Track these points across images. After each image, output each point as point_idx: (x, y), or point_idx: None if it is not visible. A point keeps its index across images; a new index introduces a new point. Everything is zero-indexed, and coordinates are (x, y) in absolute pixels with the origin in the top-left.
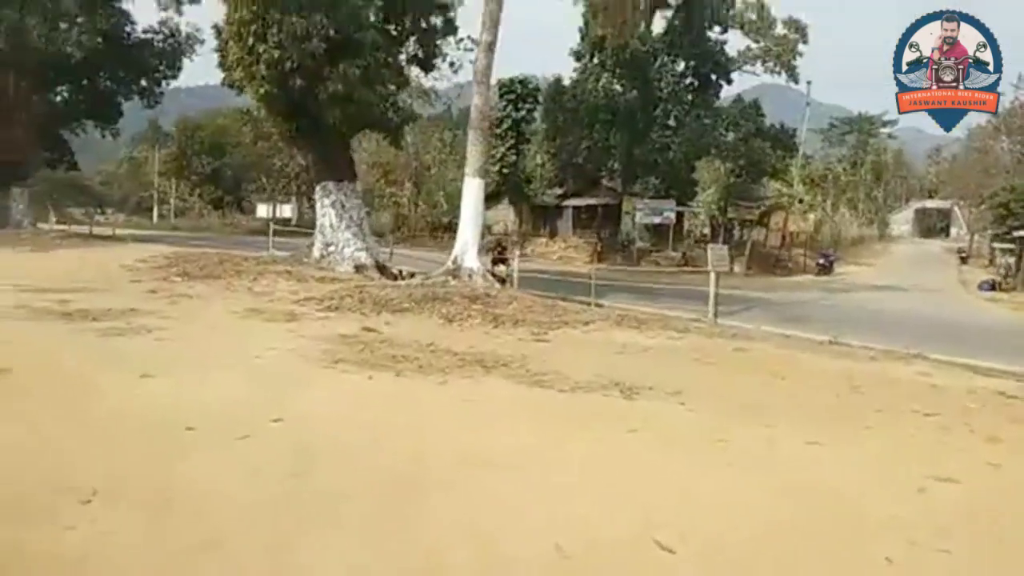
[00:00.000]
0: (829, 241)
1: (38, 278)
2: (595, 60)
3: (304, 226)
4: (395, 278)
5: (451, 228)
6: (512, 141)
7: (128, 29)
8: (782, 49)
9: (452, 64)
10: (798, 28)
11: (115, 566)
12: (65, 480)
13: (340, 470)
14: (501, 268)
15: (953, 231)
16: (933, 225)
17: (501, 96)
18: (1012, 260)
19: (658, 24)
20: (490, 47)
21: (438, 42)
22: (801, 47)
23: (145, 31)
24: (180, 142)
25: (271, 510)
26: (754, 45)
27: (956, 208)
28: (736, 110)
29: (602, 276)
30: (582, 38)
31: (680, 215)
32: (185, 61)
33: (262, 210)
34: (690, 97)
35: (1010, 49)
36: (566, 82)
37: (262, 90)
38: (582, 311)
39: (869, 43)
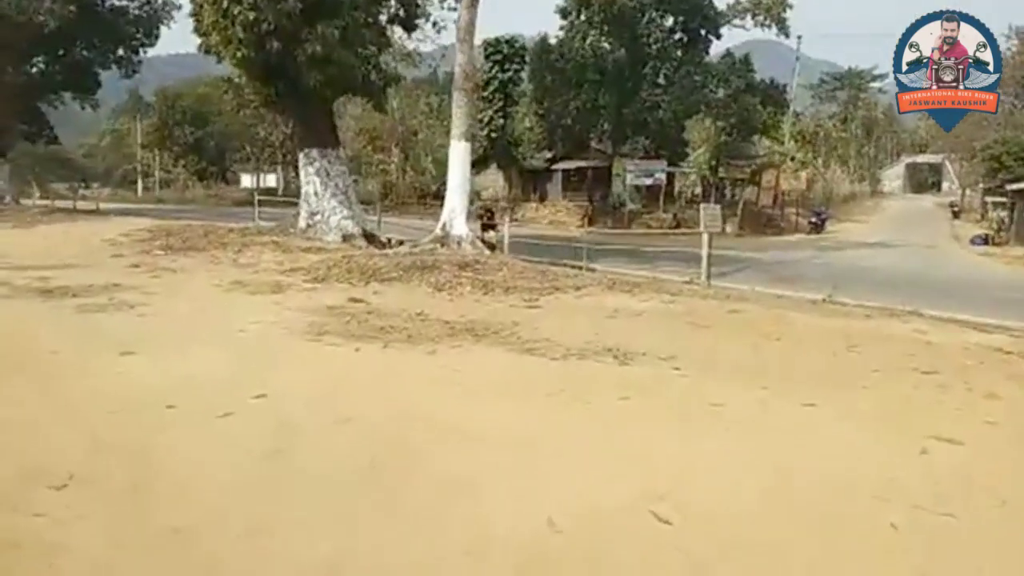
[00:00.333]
0: (821, 199)
1: (19, 255)
2: (582, 17)
3: (290, 195)
4: (383, 247)
5: (440, 195)
6: (499, 104)
7: None
8: (772, 1)
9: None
10: None
11: (87, 556)
12: (38, 464)
13: (323, 448)
14: (491, 234)
15: (944, 186)
16: (924, 180)
17: (487, 57)
18: (1004, 214)
19: None
20: (473, 2)
21: (420, 1)
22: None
23: None
24: (161, 112)
25: (250, 492)
26: None
27: (947, 162)
28: (726, 66)
29: (593, 240)
30: None
31: (671, 176)
32: (163, 29)
33: (246, 180)
34: (679, 53)
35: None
36: (553, 41)
37: (239, 54)
38: (574, 276)
39: None
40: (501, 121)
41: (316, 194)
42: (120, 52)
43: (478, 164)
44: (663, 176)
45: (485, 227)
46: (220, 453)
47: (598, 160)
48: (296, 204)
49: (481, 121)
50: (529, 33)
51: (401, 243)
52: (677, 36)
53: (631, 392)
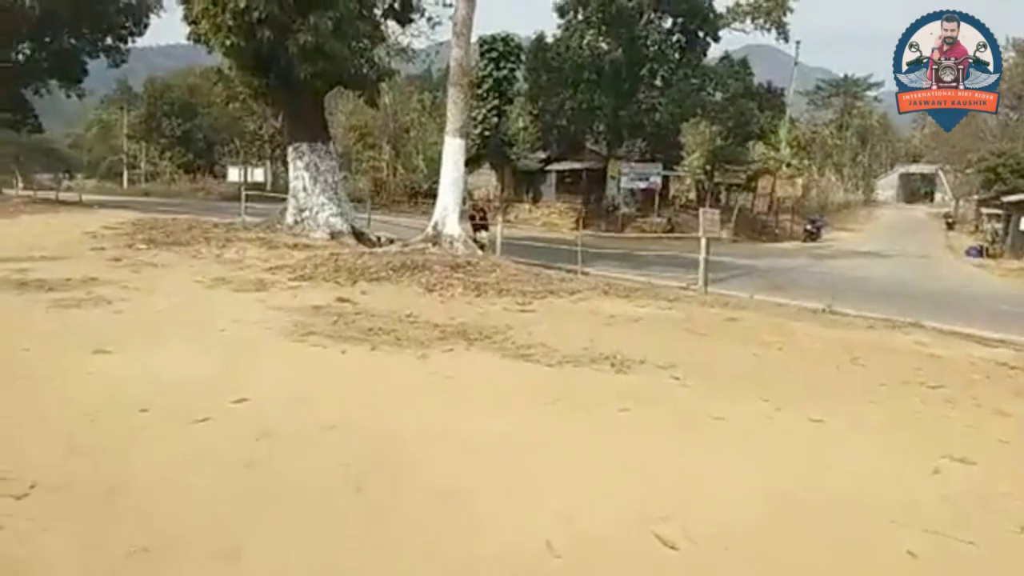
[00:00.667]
0: (816, 206)
1: None
2: (580, 16)
3: (278, 191)
4: (372, 245)
5: (431, 193)
6: (494, 102)
7: None
8: (773, 4)
9: (430, 20)
10: None
11: (47, 573)
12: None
13: (304, 459)
14: (483, 235)
15: (937, 196)
16: (917, 190)
17: (482, 54)
18: (999, 226)
19: None
20: None
21: None
22: (791, 3)
23: None
24: (149, 103)
25: (226, 506)
26: (743, 1)
27: (940, 173)
28: (724, 69)
29: (587, 242)
30: None
31: (666, 179)
32: (153, 18)
33: (233, 174)
34: (677, 56)
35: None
36: (549, 39)
37: (228, 42)
38: (568, 279)
39: (855, 2)
40: (495, 120)
41: (305, 189)
42: (108, 41)
43: (471, 163)
44: (658, 180)
45: (476, 227)
46: (195, 462)
47: (593, 162)
48: (284, 199)
49: (475, 119)
50: (525, 32)
51: (391, 241)
52: (675, 38)
53: (630, 402)
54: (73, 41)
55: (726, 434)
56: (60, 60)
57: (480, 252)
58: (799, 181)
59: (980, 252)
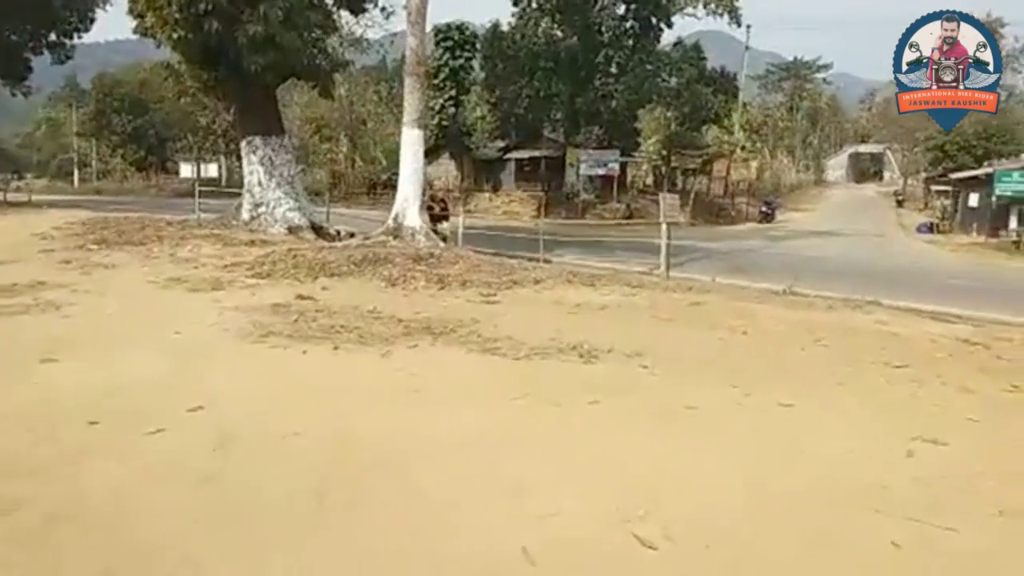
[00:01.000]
0: (770, 188)
1: None
2: (534, 4)
3: (234, 186)
4: (332, 239)
5: (390, 185)
6: (451, 92)
7: None
8: None
9: (384, 10)
10: None
11: None
12: None
13: (265, 469)
14: (444, 225)
15: (886, 175)
16: (867, 169)
17: (437, 44)
18: (948, 203)
19: None
20: None
21: None
22: None
23: None
24: (98, 100)
25: (182, 525)
26: None
27: (888, 152)
28: (678, 54)
29: (549, 230)
30: None
31: (624, 165)
32: (100, 12)
33: (185, 170)
34: (631, 42)
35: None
36: (505, 28)
37: (175, 35)
38: (532, 268)
39: None
40: (453, 110)
41: (260, 184)
42: (52, 36)
43: (430, 153)
44: (616, 166)
45: (437, 218)
46: (149, 478)
47: (551, 150)
48: (240, 195)
49: (432, 109)
50: (480, 21)
51: (351, 235)
52: (629, 24)
53: (600, 394)
54: (15, 37)
55: (698, 423)
56: (3, 57)
57: (442, 244)
58: (753, 164)
59: (931, 229)
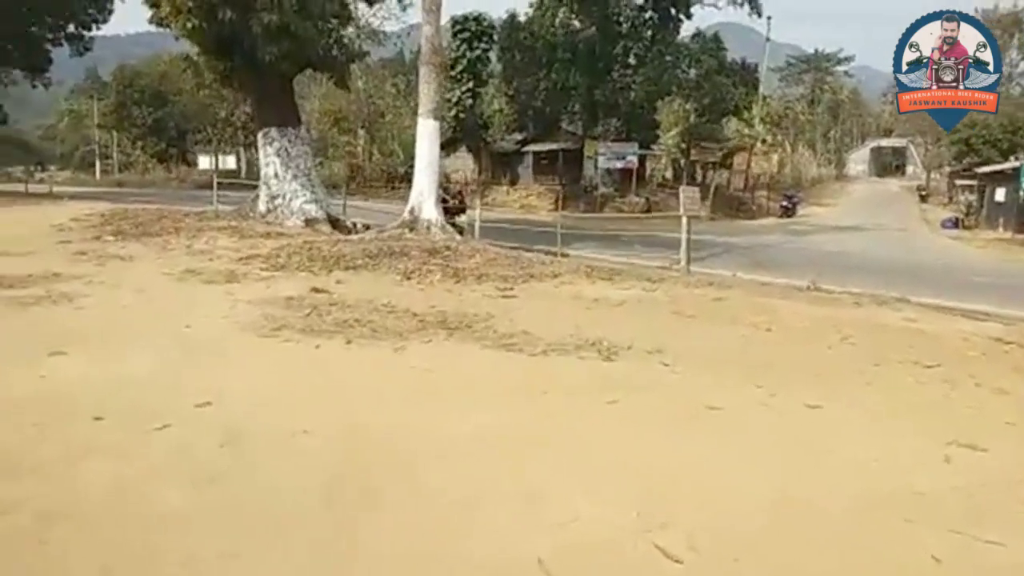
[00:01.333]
0: (791, 182)
1: None
2: None
3: (252, 178)
4: (348, 232)
5: (408, 178)
6: (468, 84)
7: None
8: None
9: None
10: None
11: None
12: None
13: (272, 468)
14: (461, 218)
15: (909, 169)
16: (889, 164)
17: (455, 35)
18: (974, 197)
19: None
20: None
21: None
22: None
23: None
24: (118, 92)
25: (186, 528)
26: None
27: (911, 146)
28: (697, 45)
29: (566, 224)
30: None
31: (642, 158)
32: (120, 5)
33: (204, 162)
34: (650, 33)
35: None
36: (522, 19)
37: (189, 24)
38: (549, 262)
39: None
40: (470, 102)
41: (276, 176)
42: (71, 28)
43: (447, 146)
44: (635, 159)
45: (454, 211)
46: (153, 477)
47: (569, 142)
48: (258, 187)
49: (450, 101)
50: (497, 12)
51: (367, 228)
52: (648, 15)
53: (619, 392)
54: (35, 29)
55: (722, 425)
56: (23, 49)
57: (458, 237)
58: (774, 157)
59: (956, 224)
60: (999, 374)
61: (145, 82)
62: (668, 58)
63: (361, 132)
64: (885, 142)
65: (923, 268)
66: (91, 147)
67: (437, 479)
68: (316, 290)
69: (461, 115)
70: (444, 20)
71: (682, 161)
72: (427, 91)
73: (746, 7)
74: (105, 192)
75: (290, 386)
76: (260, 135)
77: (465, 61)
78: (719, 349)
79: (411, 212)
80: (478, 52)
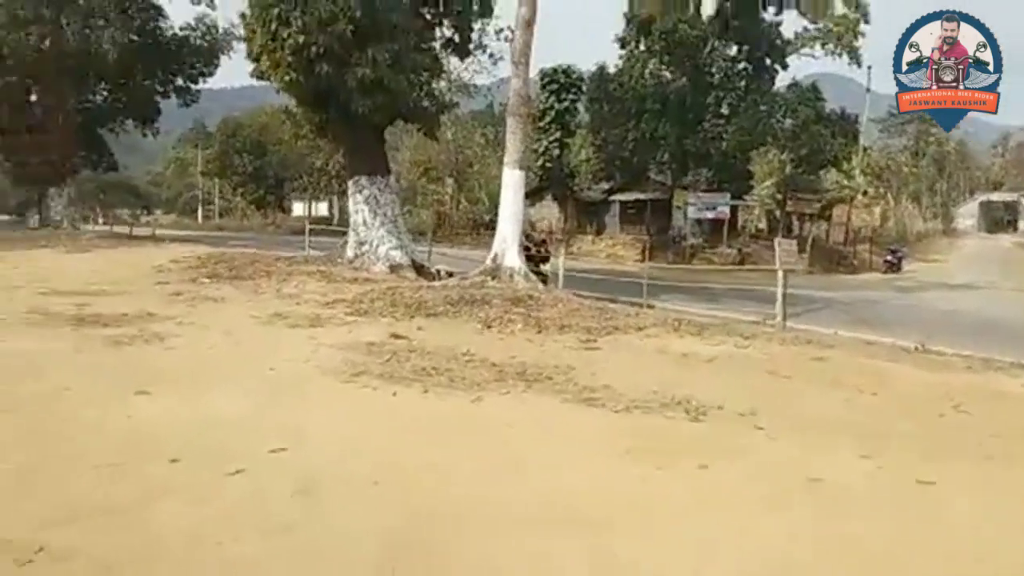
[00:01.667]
0: (895, 236)
1: (64, 280)
2: (641, 46)
3: (344, 225)
4: (432, 278)
5: (493, 226)
6: (556, 134)
7: (163, 26)
8: (843, 29)
9: (491, 56)
10: (858, 6)
11: None
12: (6, 529)
13: (342, 522)
14: (545, 267)
15: (1021, 225)
16: (1000, 219)
17: (543, 87)
18: None
19: (708, 6)
20: (528, 24)
21: (473, 25)
22: (863, 27)
23: (181, 28)
24: (222, 141)
25: None
26: (811, 26)
27: (1023, 200)
28: (793, 95)
29: (654, 275)
30: (627, 22)
31: (734, 209)
32: (227, 60)
33: (298, 208)
34: (743, 83)
35: None
36: (611, 70)
37: (287, 78)
38: (635, 314)
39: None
40: (557, 152)
41: (365, 223)
42: (179, 81)
43: (533, 195)
44: (726, 209)
45: (536, 260)
46: (224, 525)
47: (658, 192)
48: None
49: (537, 151)
50: (586, 65)
51: (451, 275)
52: (741, 65)
53: (710, 457)
54: (147, 83)
55: (824, 500)
56: (135, 101)
57: (541, 286)
58: (876, 210)
59: None
60: None
61: (247, 132)
62: (763, 108)
63: (449, 181)
64: (995, 196)
65: None
66: (194, 193)
67: (507, 553)
68: (396, 336)
69: (548, 164)
70: (533, 73)
71: (777, 212)
72: (514, 141)
73: (844, 57)
74: (205, 236)
75: (365, 434)
76: (351, 183)
77: (553, 112)
78: (819, 414)
79: (494, 260)
80: (566, 103)
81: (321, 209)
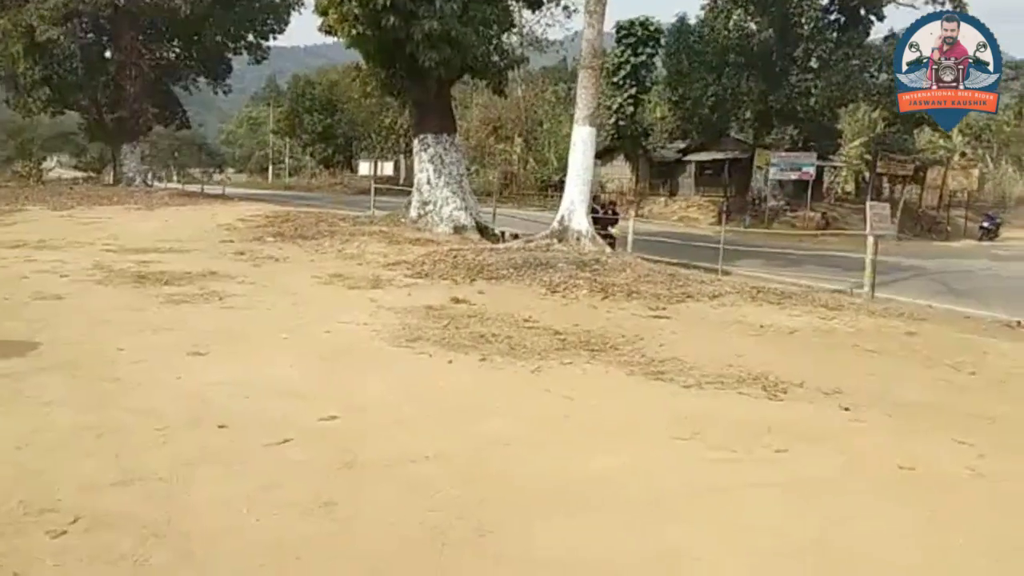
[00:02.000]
0: (992, 201)
1: (131, 237)
2: None
3: (410, 185)
4: (496, 240)
5: (561, 187)
6: (631, 90)
7: None
8: None
9: (565, 8)
10: None
11: None
12: (45, 496)
13: (387, 499)
14: (613, 230)
15: None
16: None
17: (619, 40)
18: None
19: None
20: None
21: None
22: None
23: None
24: (292, 100)
25: (281, 560)
26: None
27: None
28: (890, 48)
29: (730, 239)
30: None
31: (820, 170)
32: (300, 19)
33: (364, 168)
34: (835, 35)
35: None
36: (692, 22)
37: (354, 32)
38: (708, 281)
39: None
40: (631, 109)
41: (429, 182)
42: (250, 38)
43: (604, 155)
44: (812, 170)
45: (604, 222)
46: (262, 496)
47: (737, 151)
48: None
49: (609, 108)
50: (664, 17)
51: (516, 236)
52: (833, 16)
53: (790, 441)
54: (218, 39)
55: (917, 492)
56: (206, 58)
57: (609, 250)
58: (974, 173)
59: None
60: None
61: (317, 91)
62: (855, 62)
63: (518, 140)
64: None
65: None
66: (265, 152)
67: (559, 533)
68: (457, 300)
69: (621, 123)
70: (608, 25)
71: (866, 174)
72: (585, 96)
73: (947, 6)
74: (273, 195)
75: (418, 404)
76: (416, 141)
77: (628, 67)
78: (912, 394)
79: (560, 222)
80: (643, 57)
81: (387, 169)
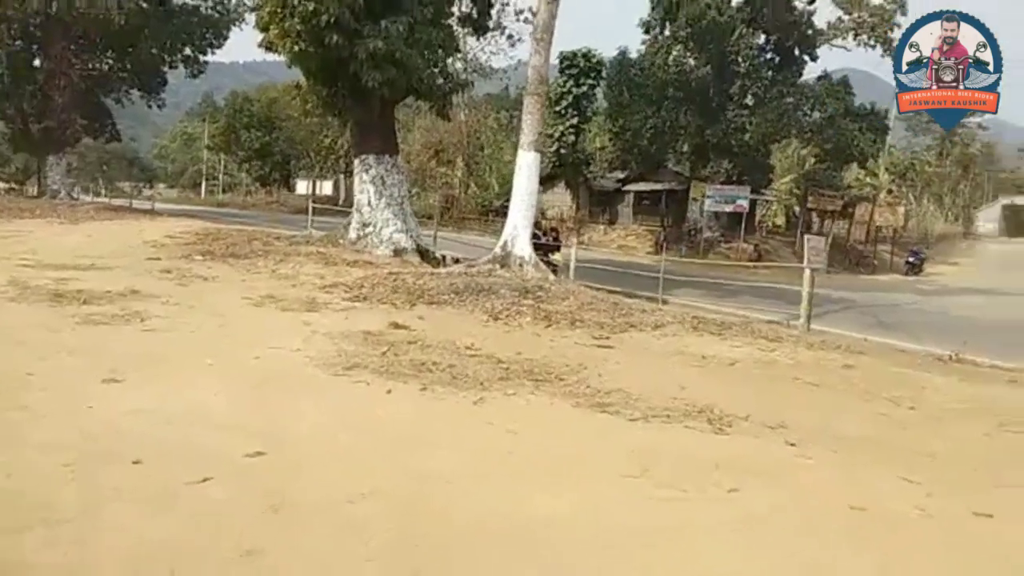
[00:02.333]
0: (917, 238)
1: (51, 252)
2: (667, 32)
3: (350, 205)
4: (437, 264)
5: (501, 212)
6: (572, 120)
7: None
8: (878, 20)
9: (510, 37)
10: None
11: None
12: None
13: (319, 545)
14: (556, 256)
15: None
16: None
17: (562, 71)
18: None
19: None
20: None
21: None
22: (899, 18)
23: None
24: (229, 116)
25: None
26: (846, 17)
27: None
28: (822, 87)
29: (669, 268)
30: (653, 6)
31: (753, 203)
32: (240, 34)
33: (302, 187)
34: (770, 73)
35: None
36: (633, 55)
37: (296, 48)
38: (650, 311)
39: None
40: (572, 138)
41: (369, 204)
42: (187, 51)
43: (545, 181)
44: (745, 203)
45: (546, 249)
46: (178, 543)
47: (674, 183)
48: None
49: (552, 136)
50: (606, 50)
51: (457, 261)
52: (769, 55)
53: (739, 478)
54: (154, 51)
55: (870, 536)
56: (140, 70)
57: (552, 277)
58: (900, 210)
59: None
60: None
61: (255, 108)
62: (789, 100)
63: (460, 164)
64: (1020, 199)
65: None
66: (198, 167)
67: None
68: (396, 325)
69: (562, 151)
70: (552, 56)
71: (797, 208)
72: (530, 122)
73: (878, 48)
74: (205, 211)
75: (353, 437)
76: (357, 162)
77: (571, 97)
78: (854, 429)
79: (503, 247)
80: (584, 88)
81: (326, 188)
